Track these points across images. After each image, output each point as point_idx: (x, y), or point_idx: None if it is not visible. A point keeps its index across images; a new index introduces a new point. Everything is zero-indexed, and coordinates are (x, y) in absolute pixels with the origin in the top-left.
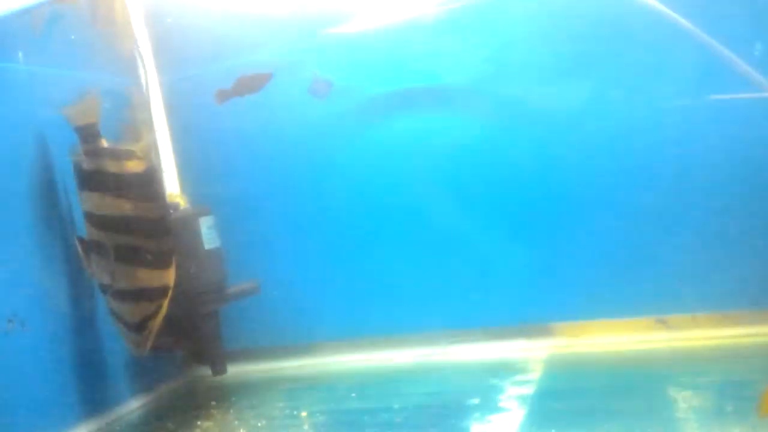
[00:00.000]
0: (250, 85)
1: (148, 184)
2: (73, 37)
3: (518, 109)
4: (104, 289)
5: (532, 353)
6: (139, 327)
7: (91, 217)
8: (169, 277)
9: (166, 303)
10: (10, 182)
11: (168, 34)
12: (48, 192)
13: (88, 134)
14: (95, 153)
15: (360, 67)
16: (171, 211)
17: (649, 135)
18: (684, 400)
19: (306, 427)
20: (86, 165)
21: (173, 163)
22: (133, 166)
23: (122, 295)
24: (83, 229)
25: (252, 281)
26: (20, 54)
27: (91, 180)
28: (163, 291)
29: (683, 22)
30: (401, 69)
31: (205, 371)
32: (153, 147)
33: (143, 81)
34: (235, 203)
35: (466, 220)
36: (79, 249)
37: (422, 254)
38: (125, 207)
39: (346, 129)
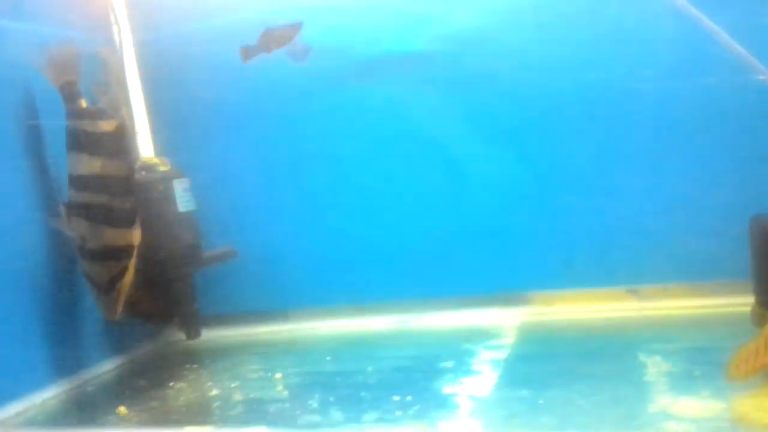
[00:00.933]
0: (279, 38)
1: (117, 142)
2: None
3: (500, 80)
4: (79, 251)
5: (506, 321)
6: (108, 288)
7: (70, 178)
8: (134, 236)
9: (131, 263)
10: None
11: None
12: (28, 152)
13: (67, 94)
14: (75, 114)
15: (341, 31)
16: (143, 173)
17: (626, 108)
18: (654, 365)
19: (280, 387)
20: (69, 126)
21: (147, 126)
22: (105, 125)
23: (92, 254)
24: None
25: (228, 246)
26: None
27: (72, 141)
28: (127, 250)
29: None
30: (383, 33)
31: (179, 336)
32: (123, 105)
33: (116, 40)
34: (210, 168)
35: (442, 187)
36: (63, 213)
37: (399, 222)
38: (96, 166)
39: (326, 93)
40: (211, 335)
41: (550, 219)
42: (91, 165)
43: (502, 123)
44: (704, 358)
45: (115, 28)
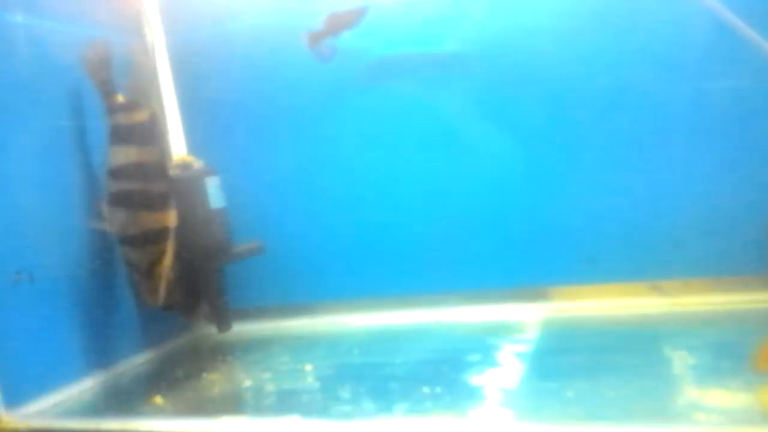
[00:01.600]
0: (345, 21)
1: (150, 130)
2: None
3: (523, 73)
4: (120, 241)
5: (529, 316)
6: (148, 273)
7: (109, 171)
8: (168, 218)
9: (169, 246)
10: (20, 133)
11: None
12: (67, 147)
13: (104, 91)
14: (112, 109)
15: (366, 29)
16: (178, 171)
17: (651, 107)
18: (680, 358)
19: (311, 379)
20: (108, 121)
21: (180, 124)
22: (138, 116)
23: (131, 241)
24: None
25: (256, 241)
26: (18, 6)
27: (111, 135)
28: (164, 233)
29: None
30: (408, 32)
31: (210, 329)
32: (154, 99)
33: (149, 40)
34: (241, 164)
35: (467, 182)
36: (103, 207)
37: (426, 216)
38: (132, 154)
39: (352, 91)
40: (241, 329)
41: (574, 214)
42: (127, 154)
43: (528, 119)
44: (730, 351)
45: (147, 29)
